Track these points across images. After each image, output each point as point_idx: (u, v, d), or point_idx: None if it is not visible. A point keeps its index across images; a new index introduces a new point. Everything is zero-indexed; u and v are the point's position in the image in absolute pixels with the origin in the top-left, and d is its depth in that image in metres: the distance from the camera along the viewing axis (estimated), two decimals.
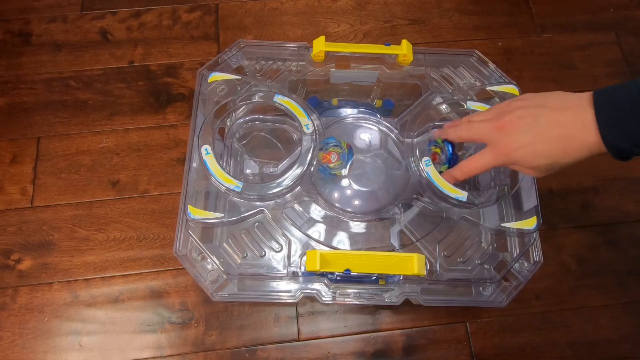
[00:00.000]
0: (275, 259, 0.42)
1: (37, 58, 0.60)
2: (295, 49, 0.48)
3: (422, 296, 0.41)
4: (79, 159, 0.55)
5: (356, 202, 0.46)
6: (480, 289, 0.42)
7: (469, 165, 0.36)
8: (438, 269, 0.41)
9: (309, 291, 0.41)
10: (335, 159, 0.43)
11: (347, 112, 0.51)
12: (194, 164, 0.43)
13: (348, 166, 0.46)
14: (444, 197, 0.40)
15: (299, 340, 0.48)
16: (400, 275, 0.40)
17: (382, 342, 0.49)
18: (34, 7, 0.63)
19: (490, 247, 0.43)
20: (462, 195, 0.38)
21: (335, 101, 0.51)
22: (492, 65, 0.48)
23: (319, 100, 0.51)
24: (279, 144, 0.48)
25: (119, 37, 0.62)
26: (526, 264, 0.42)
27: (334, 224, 0.46)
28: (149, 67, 0.61)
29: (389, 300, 0.41)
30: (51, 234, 0.52)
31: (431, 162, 0.37)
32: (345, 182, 0.46)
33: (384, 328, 0.49)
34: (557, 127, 0.30)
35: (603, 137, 0.28)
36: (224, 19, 0.64)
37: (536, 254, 0.42)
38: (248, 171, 0.47)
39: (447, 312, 0.50)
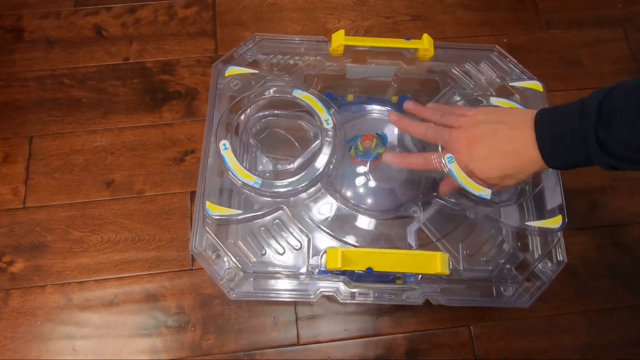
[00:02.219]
0: (295, 256, 0.41)
1: (29, 55, 0.59)
2: (313, 43, 0.47)
3: (442, 296, 0.40)
4: (73, 158, 0.54)
5: (375, 200, 0.45)
6: (502, 289, 0.41)
7: (432, 160, 0.38)
8: (461, 268, 0.40)
9: (328, 290, 0.40)
10: (373, 139, 0.43)
11: (364, 107, 0.49)
12: (207, 160, 0.42)
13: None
14: (466, 194, 0.39)
15: (298, 344, 0.47)
16: (418, 274, 0.39)
17: (383, 347, 0.48)
18: (26, 2, 0.62)
19: (512, 247, 0.42)
20: (486, 193, 0.37)
21: (350, 97, 0.50)
22: (513, 61, 0.46)
23: (334, 95, 0.49)
24: (294, 141, 0.47)
25: (114, 33, 0.61)
26: (549, 264, 0.41)
27: (354, 222, 0.44)
28: (145, 64, 0.59)
29: (410, 301, 0.40)
30: (44, 235, 0.51)
31: (454, 159, 0.36)
32: (364, 179, 0.45)
33: (385, 332, 0.48)
34: (509, 143, 0.33)
35: (543, 158, 0.31)
36: (221, 14, 0.62)
37: (560, 254, 0.41)
38: (260, 167, 0.46)
39: (451, 316, 0.49)
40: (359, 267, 0.36)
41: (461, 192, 0.39)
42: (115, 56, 0.59)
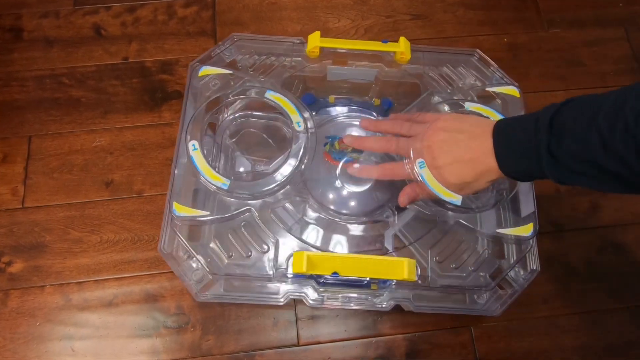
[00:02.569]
0: (263, 259, 0.41)
1: (28, 54, 0.59)
2: (291, 44, 0.46)
3: (413, 302, 0.40)
4: (72, 158, 0.54)
5: (348, 204, 0.45)
6: (475, 296, 0.41)
7: (394, 170, 0.38)
8: (430, 275, 0.40)
9: (297, 294, 0.40)
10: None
11: (343, 110, 0.50)
12: (183, 160, 0.41)
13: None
14: (439, 201, 0.39)
15: (298, 345, 0.47)
16: (393, 280, 0.39)
17: (384, 347, 0.47)
18: (25, 1, 0.62)
19: (486, 253, 0.42)
20: (456, 199, 0.37)
21: (332, 99, 0.50)
22: (493, 65, 0.46)
23: (315, 97, 0.49)
24: (271, 142, 0.47)
25: (113, 32, 0.60)
26: (522, 272, 0.41)
27: (325, 226, 0.44)
28: (144, 63, 0.59)
29: (380, 306, 0.40)
30: (43, 235, 0.51)
31: (425, 164, 0.36)
32: (337, 182, 0.45)
33: (386, 333, 0.48)
34: (469, 152, 0.34)
35: (500, 167, 0.32)
36: (221, 14, 0.62)
37: (532, 262, 0.41)
38: (241, 169, 0.46)
39: (451, 317, 0.48)
40: (324, 272, 0.36)
41: (432, 200, 0.39)
42: (114, 56, 0.59)
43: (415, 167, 0.36)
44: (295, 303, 0.48)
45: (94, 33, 0.60)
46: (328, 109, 0.49)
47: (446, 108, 0.44)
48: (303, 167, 0.41)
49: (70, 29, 0.60)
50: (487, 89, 0.45)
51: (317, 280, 0.40)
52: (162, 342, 0.47)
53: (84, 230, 0.51)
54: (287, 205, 0.43)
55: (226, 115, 0.47)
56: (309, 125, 0.42)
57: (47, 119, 0.56)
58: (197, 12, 0.62)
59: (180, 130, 0.42)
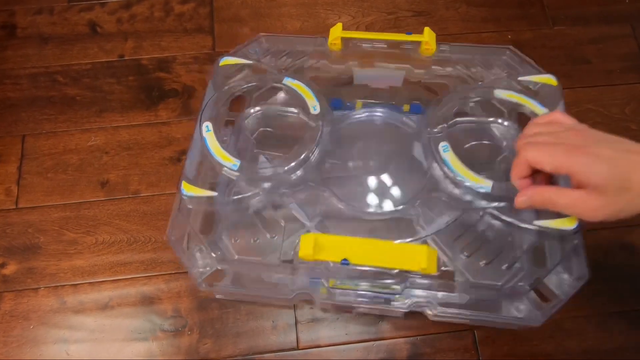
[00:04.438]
0: (271, 247, 0.39)
1: (22, 52, 0.58)
2: (317, 43, 0.46)
3: (437, 308, 0.36)
4: (67, 157, 0.53)
5: (367, 199, 0.42)
6: (511, 304, 0.36)
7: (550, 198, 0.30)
8: (455, 271, 0.37)
9: (307, 291, 0.39)
10: None
11: (373, 114, 0.48)
12: (198, 149, 0.41)
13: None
14: (467, 189, 0.35)
15: (297, 348, 0.46)
16: (411, 280, 0.36)
17: (385, 351, 0.46)
18: None
19: (522, 251, 0.38)
20: (486, 184, 0.33)
21: (359, 104, 0.48)
22: (529, 61, 0.44)
23: (342, 102, 0.48)
24: (291, 139, 0.46)
25: (109, 29, 0.59)
26: (567, 277, 0.34)
27: (338, 217, 0.42)
28: (140, 61, 0.58)
29: (397, 309, 0.38)
30: (37, 236, 0.50)
31: (449, 148, 0.32)
32: (354, 172, 0.43)
33: (387, 336, 0.47)
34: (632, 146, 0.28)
35: None
36: (219, 10, 0.61)
37: (579, 265, 0.34)
38: (258, 163, 0.45)
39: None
40: (333, 257, 0.33)
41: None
42: (110, 53, 0.58)
43: (439, 149, 0.32)
44: (295, 305, 0.47)
45: (89, 30, 0.59)
46: (352, 112, 0.48)
47: (473, 104, 0.41)
48: (317, 153, 0.39)
49: (64, 26, 0.59)
50: (519, 79, 0.41)
51: (328, 287, 0.38)
52: (159, 346, 0.46)
53: (78, 232, 0.50)
54: (300, 193, 0.41)
55: (246, 111, 0.46)
56: (325, 111, 0.41)
57: (41, 117, 0.55)
58: (194, 9, 0.61)
59: (197, 122, 0.41)
